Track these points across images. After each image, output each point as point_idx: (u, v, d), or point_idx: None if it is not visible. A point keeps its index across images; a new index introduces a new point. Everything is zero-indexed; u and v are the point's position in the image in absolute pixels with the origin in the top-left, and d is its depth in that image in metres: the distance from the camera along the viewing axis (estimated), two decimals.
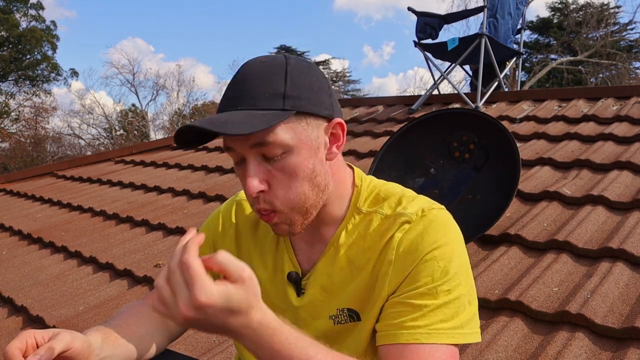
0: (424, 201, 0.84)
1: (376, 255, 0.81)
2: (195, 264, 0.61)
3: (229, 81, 0.82)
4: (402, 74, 45.59)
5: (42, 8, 22.11)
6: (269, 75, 0.76)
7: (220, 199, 2.88)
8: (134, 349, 0.89)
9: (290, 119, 0.75)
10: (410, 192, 0.87)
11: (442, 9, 22.03)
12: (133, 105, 25.78)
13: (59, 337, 0.75)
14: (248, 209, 0.96)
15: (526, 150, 2.77)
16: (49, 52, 22.23)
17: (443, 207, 0.84)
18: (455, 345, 0.76)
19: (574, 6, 16.82)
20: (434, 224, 0.80)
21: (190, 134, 0.76)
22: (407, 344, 0.74)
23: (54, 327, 1.83)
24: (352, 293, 0.83)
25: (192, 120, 22.13)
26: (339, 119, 0.81)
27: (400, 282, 0.78)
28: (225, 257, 0.63)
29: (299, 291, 0.88)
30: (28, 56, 21.83)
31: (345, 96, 22.70)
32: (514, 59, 4.24)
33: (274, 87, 0.75)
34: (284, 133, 0.74)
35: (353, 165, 0.91)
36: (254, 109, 0.74)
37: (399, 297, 0.77)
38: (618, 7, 19.36)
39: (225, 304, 0.62)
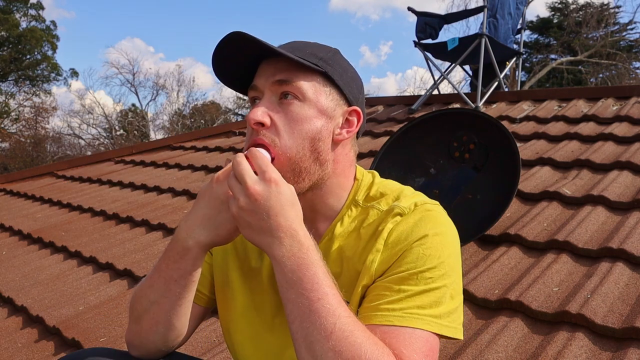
0: (420, 197, 0.86)
1: (364, 245, 0.82)
2: (246, 165, 0.73)
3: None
4: (400, 74, 45.60)
5: (42, 8, 22.15)
6: (316, 45, 0.85)
7: None
8: None
9: (316, 79, 0.82)
10: (409, 190, 0.88)
11: (442, 9, 22.04)
12: (133, 105, 25.81)
13: None
14: None
15: (526, 150, 2.77)
16: (49, 52, 22.26)
17: (437, 203, 0.86)
18: (433, 334, 0.73)
19: (574, 6, 16.82)
20: (426, 218, 0.81)
21: (232, 50, 0.80)
22: (379, 325, 0.73)
23: (53, 327, 1.84)
24: (341, 284, 0.81)
25: (192, 120, 22.09)
26: (357, 107, 0.86)
27: (386, 269, 0.78)
28: (256, 158, 0.74)
29: None
30: (28, 56, 21.82)
31: None
32: (514, 59, 4.24)
33: (315, 51, 0.83)
34: (308, 85, 0.81)
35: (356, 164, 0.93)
36: (292, 55, 0.79)
37: (382, 281, 0.77)
38: (618, 7, 19.31)
39: (265, 200, 0.71)
